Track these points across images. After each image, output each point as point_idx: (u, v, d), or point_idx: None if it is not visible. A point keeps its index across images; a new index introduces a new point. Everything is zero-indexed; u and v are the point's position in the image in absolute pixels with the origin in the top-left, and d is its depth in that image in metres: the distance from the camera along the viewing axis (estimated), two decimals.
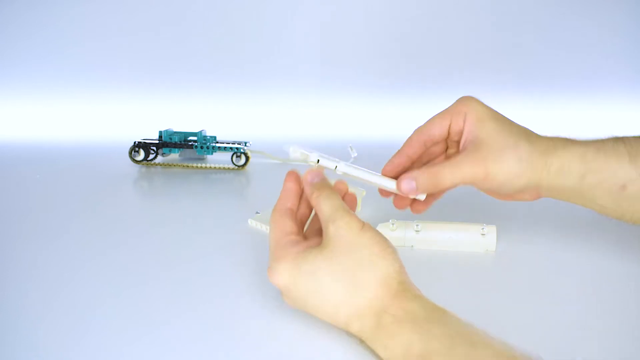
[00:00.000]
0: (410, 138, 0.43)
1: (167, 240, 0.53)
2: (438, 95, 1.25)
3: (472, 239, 0.49)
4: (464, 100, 0.41)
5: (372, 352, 0.31)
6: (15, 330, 0.36)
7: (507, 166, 0.38)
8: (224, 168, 0.86)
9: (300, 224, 0.39)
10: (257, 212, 0.59)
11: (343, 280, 0.32)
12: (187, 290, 0.42)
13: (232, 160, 0.86)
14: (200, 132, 0.87)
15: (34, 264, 0.46)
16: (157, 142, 0.86)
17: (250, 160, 0.86)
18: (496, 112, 0.42)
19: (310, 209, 0.40)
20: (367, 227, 0.33)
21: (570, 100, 1.27)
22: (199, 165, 0.86)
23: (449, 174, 0.38)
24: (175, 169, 0.86)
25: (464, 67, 1.26)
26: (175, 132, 0.88)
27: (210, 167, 0.86)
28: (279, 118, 1.19)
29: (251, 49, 1.20)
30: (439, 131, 0.42)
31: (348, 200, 0.40)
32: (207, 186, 0.77)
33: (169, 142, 0.86)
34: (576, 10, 1.23)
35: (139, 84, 1.18)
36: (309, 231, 0.40)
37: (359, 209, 0.60)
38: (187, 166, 0.86)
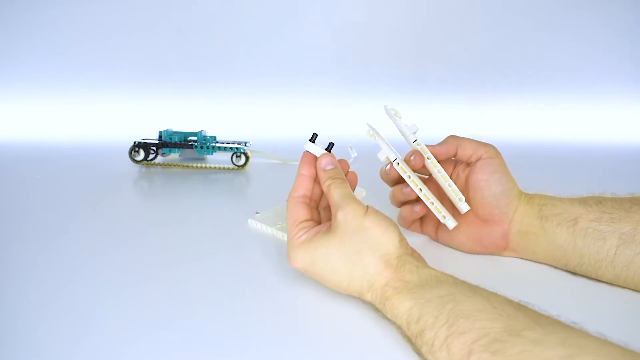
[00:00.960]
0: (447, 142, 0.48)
1: (167, 240, 0.53)
2: (438, 95, 1.25)
3: None
4: (492, 149, 0.46)
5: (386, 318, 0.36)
6: (15, 330, 0.36)
7: (506, 170, 0.46)
8: (224, 168, 0.86)
9: (315, 204, 0.44)
10: (257, 212, 0.59)
11: (352, 261, 0.36)
12: (187, 290, 0.42)
13: (232, 160, 0.86)
14: (200, 132, 0.87)
15: (34, 264, 0.46)
16: (157, 142, 0.86)
17: (250, 160, 0.86)
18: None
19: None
20: (371, 210, 0.38)
21: (570, 100, 1.27)
22: (199, 165, 0.86)
23: (467, 141, 0.46)
24: (175, 169, 0.86)
25: (464, 67, 1.26)
26: (175, 132, 0.88)
27: (210, 167, 0.86)
28: (279, 118, 1.19)
29: (251, 49, 1.21)
30: (465, 155, 0.47)
31: (350, 179, 0.45)
32: (207, 186, 0.77)
33: (169, 142, 0.86)
34: (576, 10, 1.23)
35: (139, 84, 1.18)
36: (320, 208, 0.45)
37: None
38: (187, 166, 0.86)
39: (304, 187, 0.42)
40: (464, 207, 0.45)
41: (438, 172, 0.46)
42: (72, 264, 0.46)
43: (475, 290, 0.33)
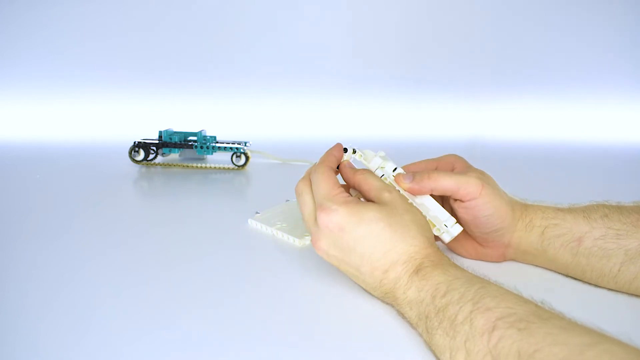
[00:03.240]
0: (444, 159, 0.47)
1: (167, 240, 0.53)
2: (438, 95, 1.25)
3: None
4: (474, 187, 0.42)
5: (394, 305, 0.37)
6: (15, 330, 0.36)
7: (498, 200, 0.42)
8: (224, 168, 0.86)
9: None
10: (257, 212, 0.59)
11: (399, 231, 0.37)
12: (186, 290, 0.42)
13: (232, 160, 0.86)
14: (200, 132, 0.87)
15: (34, 264, 0.46)
16: (157, 142, 0.86)
17: (250, 160, 0.86)
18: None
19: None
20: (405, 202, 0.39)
21: (570, 101, 1.27)
22: (199, 165, 0.86)
23: (448, 178, 0.41)
24: (175, 169, 0.86)
25: (464, 67, 1.26)
26: (175, 132, 0.88)
27: (210, 167, 0.86)
28: (279, 118, 1.19)
29: (251, 49, 1.21)
30: (445, 192, 0.43)
31: None
32: (207, 186, 0.77)
33: (169, 142, 0.86)
34: (577, 10, 1.23)
35: (139, 84, 1.18)
36: None
37: None
38: (187, 166, 0.86)
39: (334, 163, 0.43)
40: (445, 238, 0.42)
41: (414, 203, 0.42)
42: (72, 264, 0.46)
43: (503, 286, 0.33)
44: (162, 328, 0.36)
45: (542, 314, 0.28)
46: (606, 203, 0.43)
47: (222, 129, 0.96)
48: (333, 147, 0.45)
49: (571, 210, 0.43)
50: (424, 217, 0.40)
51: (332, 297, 0.40)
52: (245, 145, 0.86)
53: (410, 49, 1.24)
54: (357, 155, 0.46)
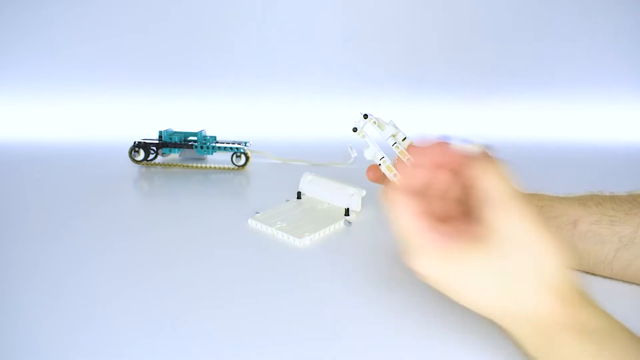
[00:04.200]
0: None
1: (167, 240, 0.53)
2: (438, 95, 1.25)
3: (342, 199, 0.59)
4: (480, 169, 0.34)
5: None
6: (15, 330, 0.36)
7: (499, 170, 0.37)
8: (224, 168, 0.86)
9: (438, 194, 0.34)
10: (257, 212, 0.59)
11: (502, 285, 0.28)
12: (186, 290, 0.42)
13: (232, 160, 0.86)
14: (200, 132, 0.87)
15: (34, 264, 0.46)
16: (157, 142, 0.86)
17: (250, 160, 0.86)
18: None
19: (449, 186, 0.34)
20: (541, 219, 0.29)
21: (571, 100, 1.27)
22: (199, 165, 0.86)
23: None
24: (175, 169, 0.86)
25: (464, 66, 1.26)
26: (175, 132, 0.88)
27: (210, 167, 0.86)
28: (279, 118, 1.19)
29: (251, 49, 1.20)
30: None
31: None
32: (207, 186, 0.77)
33: (169, 142, 0.86)
34: (577, 10, 1.23)
35: (139, 84, 1.18)
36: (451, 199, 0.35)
37: (359, 208, 0.60)
38: (187, 166, 0.86)
39: (420, 180, 0.32)
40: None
41: None
42: (72, 263, 0.46)
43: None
44: (162, 328, 0.36)
45: None
46: (600, 193, 0.44)
47: (222, 129, 0.96)
48: (431, 145, 0.33)
49: (566, 197, 0.44)
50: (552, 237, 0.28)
51: (332, 297, 0.40)
52: (245, 145, 0.86)
53: (410, 48, 1.24)
54: (370, 121, 0.46)
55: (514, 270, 0.27)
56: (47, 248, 0.50)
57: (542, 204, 0.44)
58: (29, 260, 0.47)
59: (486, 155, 0.31)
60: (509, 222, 0.28)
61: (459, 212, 0.33)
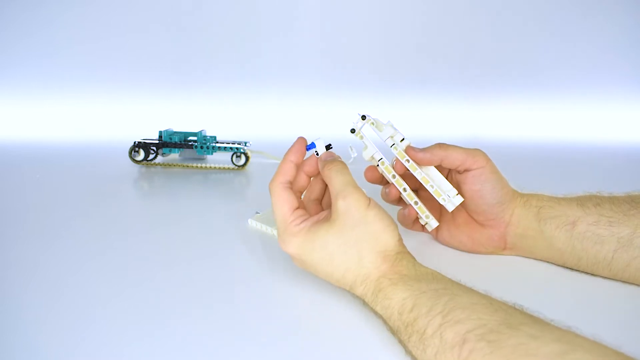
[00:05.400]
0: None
1: (167, 240, 0.53)
2: (438, 95, 1.25)
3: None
4: (481, 158, 0.44)
5: (373, 313, 0.36)
6: (15, 330, 0.36)
7: (501, 175, 0.45)
8: (224, 168, 0.86)
9: (298, 195, 0.43)
10: (257, 212, 0.59)
11: (350, 252, 0.36)
12: (186, 290, 0.42)
13: (232, 160, 0.86)
14: (200, 132, 0.87)
15: (34, 264, 0.46)
16: (157, 142, 0.86)
17: (250, 160, 0.86)
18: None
19: (308, 180, 0.44)
20: (373, 204, 0.37)
21: (570, 100, 1.27)
22: (199, 165, 0.86)
23: (457, 149, 0.43)
24: (175, 169, 0.86)
25: (464, 66, 1.26)
26: (175, 132, 0.88)
27: (210, 167, 0.86)
28: (279, 118, 1.19)
29: (251, 49, 1.20)
30: (452, 165, 0.45)
31: None
32: (207, 186, 0.77)
33: (169, 142, 0.86)
34: (577, 9, 1.23)
35: (139, 84, 1.18)
36: (306, 199, 0.44)
37: None
38: (187, 166, 0.86)
39: (290, 174, 0.41)
40: (449, 207, 0.44)
41: (419, 174, 0.45)
42: (72, 263, 0.46)
43: (471, 289, 0.33)
44: (162, 328, 0.36)
45: (513, 322, 0.28)
46: (598, 194, 0.45)
47: (222, 129, 0.96)
48: (293, 144, 0.42)
49: (565, 198, 0.45)
50: (383, 220, 0.37)
51: (332, 297, 0.40)
52: (245, 145, 0.86)
53: (411, 49, 1.24)
54: (368, 122, 0.46)
55: (355, 239, 0.36)
56: (47, 248, 0.50)
57: (541, 205, 0.45)
58: (29, 260, 0.47)
59: (331, 156, 0.41)
60: (347, 204, 0.36)
61: (327, 205, 0.43)
